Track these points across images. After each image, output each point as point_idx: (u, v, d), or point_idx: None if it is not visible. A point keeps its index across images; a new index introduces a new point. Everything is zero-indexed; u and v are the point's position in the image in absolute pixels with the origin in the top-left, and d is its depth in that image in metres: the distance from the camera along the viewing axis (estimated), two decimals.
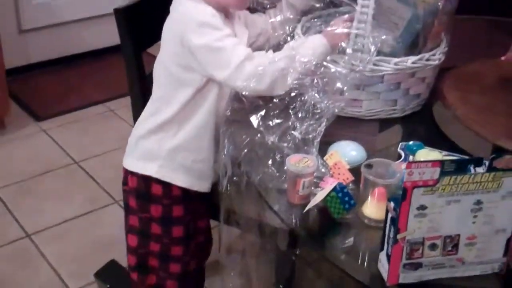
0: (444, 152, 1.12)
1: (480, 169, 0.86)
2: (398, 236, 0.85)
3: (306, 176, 1.03)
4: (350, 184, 1.05)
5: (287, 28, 1.34)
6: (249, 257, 1.24)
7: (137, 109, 1.43)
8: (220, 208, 1.18)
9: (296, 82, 1.14)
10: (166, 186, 1.30)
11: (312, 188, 1.04)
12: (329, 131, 1.13)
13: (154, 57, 1.29)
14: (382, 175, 1.01)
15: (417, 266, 0.88)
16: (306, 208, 1.01)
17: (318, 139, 1.11)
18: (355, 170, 1.06)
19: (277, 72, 1.13)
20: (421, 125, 1.29)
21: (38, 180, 2.26)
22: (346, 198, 0.99)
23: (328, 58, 1.19)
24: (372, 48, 1.16)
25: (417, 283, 0.89)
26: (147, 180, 1.30)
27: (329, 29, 1.19)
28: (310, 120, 1.12)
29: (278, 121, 1.13)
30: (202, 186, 1.32)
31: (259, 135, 1.13)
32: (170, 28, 1.22)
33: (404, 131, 1.29)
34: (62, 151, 2.43)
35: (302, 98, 1.13)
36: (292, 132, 1.12)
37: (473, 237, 0.88)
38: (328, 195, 0.99)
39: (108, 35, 2.38)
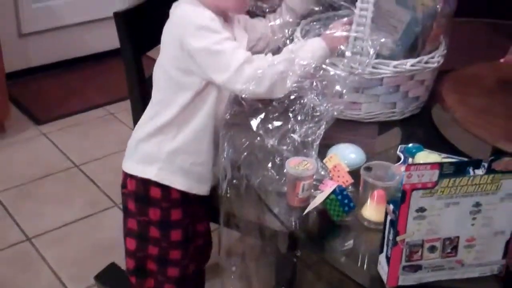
0: (443, 155, 1.12)
1: (479, 171, 0.86)
2: (398, 239, 0.85)
3: (305, 179, 1.03)
4: (350, 187, 1.05)
5: (287, 31, 1.35)
6: (249, 260, 1.24)
7: (137, 113, 1.44)
8: (220, 211, 1.18)
9: (295, 85, 1.14)
10: (165, 189, 1.30)
11: (312, 190, 1.05)
12: (328, 134, 1.13)
13: (154, 61, 1.29)
14: (381, 177, 1.02)
15: (417, 268, 0.88)
16: (306, 211, 1.01)
17: (318, 142, 1.12)
18: (354, 173, 1.06)
19: (276, 75, 1.14)
20: (420, 127, 1.29)
21: (39, 184, 2.26)
22: (346, 201, 1.00)
23: (327, 61, 1.19)
24: (371, 51, 1.16)
25: (416, 285, 0.89)
26: (146, 183, 1.30)
27: (328, 32, 1.20)
28: (310, 123, 1.13)
29: (277, 124, 1.14)
30: (201, 189, 1.32)
31: (258, 138, 1.13)
32: (169, 31, 1.23)
33: (403, 133, 1.29)
34: (62, 155, 2.43)
35: (302, 101, 1.14)
36: (292, 135, 1.12)
37: (472, 239, 0.88)
38: (327, 197, 0.99)
39: (108, 38, 2.38)
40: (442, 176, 0.83)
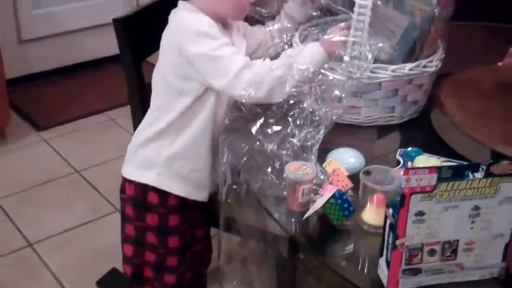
0: (443, 158, 1.12)
1: (477, 175, 0.87)
2: (397, 242, 0.86)
3: (305, 183, 1.03)
4: (349, 191, 1.05)
5: (285, 36, 1.35)
6: (250, 265, 1.24)
7: (137, 118, 1.44)
8: (220, 216, 1.19)
9: (294, 89, 1.14)
10: (163, 195, 1.30)
11: (312, 195, 1.05)
12: (327, 138, 1.14)
13: (153, 66, 1.29)
14: (380, 181, 1.02)
15: (416, 271, 0.88)
16: (306, 215, 1.01)
17: (317, 146, 1.12)
18: (354, 177, 1.07)
19: (275, 80, 1.14)
20: (419, 131, 1.30)
21: (39, 190, 2.26)
22: (345, 205, 1.00)
23: (326, 65, 1.20)
24: (369, 56, 1.16)
25: None
26: (144, 189, 1.30)
27: (326, 37, 1.20)
28: (309, 127, 1.13)
29: (276, 128, 1.14)
30: (199, 195, 1.32)
31: (258, 143, 1.13)
32: (168, 38, 1.23)
33: (403, 137, 1.29)
34: (63, 161, 2.43)
35: (301, 105, 1.14)
36: (291, 139, 1.12)
37: (471, 243, 0.89)
38: (327, 202, 1.00)
39: (108, 44, 2.37)
40: (440, 180, 0.83)
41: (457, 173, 0.84)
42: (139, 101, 1.47)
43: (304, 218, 1.01)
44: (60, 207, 2.17)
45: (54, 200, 2.21)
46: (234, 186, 1.12)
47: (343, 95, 1.18)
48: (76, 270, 1.89)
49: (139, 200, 1.32)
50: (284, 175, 1.06)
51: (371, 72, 1.20)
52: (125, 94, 1.52)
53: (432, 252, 0.88)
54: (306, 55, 1.17)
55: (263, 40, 1.37)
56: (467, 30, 1.68)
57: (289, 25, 1.36)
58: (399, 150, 1.16)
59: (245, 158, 1.13)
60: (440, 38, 1.31)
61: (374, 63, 1.18)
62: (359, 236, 1.01)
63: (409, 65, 1.22)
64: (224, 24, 1.26)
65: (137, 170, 1.31)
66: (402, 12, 1.25)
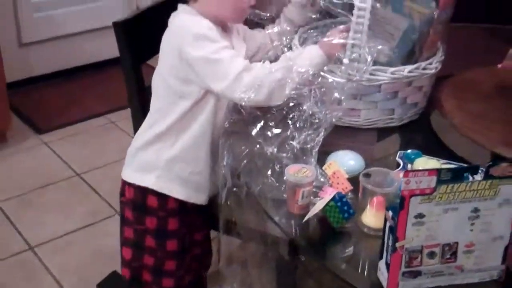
0: (443, 161, 1.13)
1: (477, 177, 0.87)
2: (397, 245, 0.86)
3: (305, 186, 1.04)
4: (349, 193, 1.05)
5: (284, 39, 1.35)
6: (250, 267, 1.24)
7: (137, 121, 1.44)
8: (219, 219, 1.19)
9: (294, 92, 1.14)
10: (162, 198, 1.30)
11: (311, 197, 1.05)
12: (327, 140, 1.14)
13: (153, 69, 1.29)
14: (380, 184, 1.02)
15: (416, 274, 0.88)
16: (306, 218, 1.02)
17: (317, 149, 1.12)
18: (353, 179, 1.07)
19: (274, 82, 1.14)
20: (419, 133, 1.30)
21: (40, 193, 2.26)
22: (345, 207, 1.00)
23: (325, 68, 1.20)
24: (369, 58, 1.16)
25: None
26: (143, 192, 1.30)
27: (325, 39, 1.20)
28: (308, 130, 1.13)
29: (276, 131, 1.14)
30: (199, 198, 1.32)
31: (258, 145, 1.14)
32: (168, 41, 1.24)
33: (402, 140, 1.29)
34: (63, 164, 2.44)
35: (300, 108, 1.14)
36: (291, 142, 1.13)
37: (471, 245, 0.89)
38: (327, 204, 1.00)
39: (108, 47, 2.38)
40: (440, 182, 0.84)
41: (457, 175, 0.84)
42: (139, 104, 1.47)
43: (304, 220, 1.02)
44: (61, 210, 2.17)
45: (55, 203, 2.21)
46: (234, 189, 1.12)
47: (342, 97, 1.18)
48: (76, 273, 1.90)
49: (138, 203, 1.32)
50: (284, 177, 1.07)
51: (371, 74, 1.20)
52: (125, 97, 1.52)
53: (432, 255, 0.88)
54: (305, 57, 1.17)
55: (263, 43, 1.37)
56: (466, 32, 1.68)
57: (288, 28, 1.37)
58: (398, 152, 1.17)
59: (245, 161, 1.13)
60: (439, 40, 1.31)
61: (373, 65, 1.18)
62: (359, 239, 1.01)
63: (409, 67, 1.22)
64: (223, 27, 1.26)
65: (136, 173, 1.32)
66: (401, 14, 1.25)
